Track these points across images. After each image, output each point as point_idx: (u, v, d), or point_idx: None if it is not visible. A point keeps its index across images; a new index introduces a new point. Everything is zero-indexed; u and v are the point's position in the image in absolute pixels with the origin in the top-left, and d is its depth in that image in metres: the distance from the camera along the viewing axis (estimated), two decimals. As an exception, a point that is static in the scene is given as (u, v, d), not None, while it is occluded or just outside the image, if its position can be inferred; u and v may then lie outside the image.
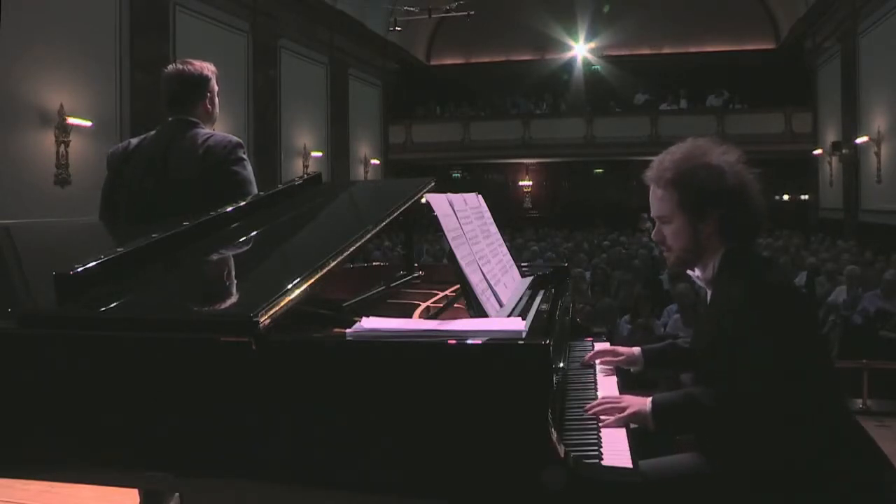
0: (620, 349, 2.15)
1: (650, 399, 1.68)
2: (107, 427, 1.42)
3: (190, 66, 2.48)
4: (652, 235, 1.83)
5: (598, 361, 2.14)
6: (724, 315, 1.67)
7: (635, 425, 1.67)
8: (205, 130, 2.46)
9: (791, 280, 1.80)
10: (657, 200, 1.77)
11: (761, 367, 1.56)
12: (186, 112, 2.47)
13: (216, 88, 2.54)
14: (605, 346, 2.27)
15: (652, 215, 1.80)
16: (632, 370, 2.12)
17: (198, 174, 2.35)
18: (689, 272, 1.85)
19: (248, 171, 2.42)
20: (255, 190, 2.39)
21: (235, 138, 2.46)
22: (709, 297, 1.83)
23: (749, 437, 1.59)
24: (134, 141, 2.51)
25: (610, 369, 2.12)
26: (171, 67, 2.52)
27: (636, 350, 2.12)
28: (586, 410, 1.72)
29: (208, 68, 2.51)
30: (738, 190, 1.70)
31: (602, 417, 1.68)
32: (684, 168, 1.71)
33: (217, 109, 2.57)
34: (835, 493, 1.60)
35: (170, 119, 2.49)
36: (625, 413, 1.67)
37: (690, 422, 1.68)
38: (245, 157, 2.44)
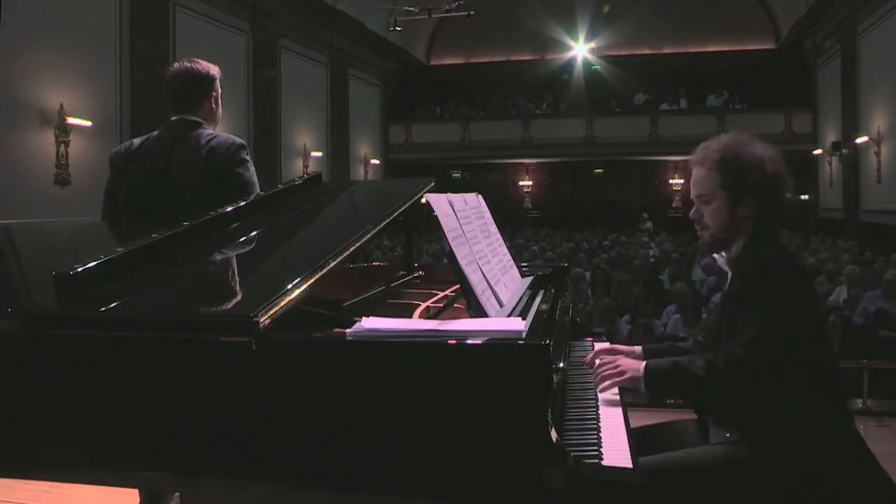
0: (620, 347, 2.17)
1: (643, 364, 1.78)
2: (107, 427, 1.41)
3: (197, 65, 2.49)
4: (690, 214, 1.94)
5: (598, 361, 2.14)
6: (738, 292, 1.77)
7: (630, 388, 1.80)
8: (208, 131, 2.46)
9: (805, 270, 1.88)
10: (700, 180, 1.90)
11: (750, 337, 1.65)
12: (191, 110, 2.47)
13: (220, 90, 2.55)
14: (605, 345, 2.28)
15: (692, 195, 1.93)
16: None
17: (201, 175, 2.35)
18: (716, 255, 1.97)
19: (252, 172, 2.43)
20: (257, 191, 2.39)
21: (239, 139, 2.46)
22: (728, 279, 1.92)
23: (733, 404, 1.71)
24: (137, 141, 2.51)
25: None
26: (177, 65, 2.52)
27: (637, 349, 2.14)
28: (585, 361, 1.87)
29: (214, 68, 2.53)
30: (774, 180, 1.84)
31: (599, 381, 1.80)
32: (732, 152, 1.85)
33: (220, 110, 2.57)
34: (832, 491, 1.61)
35: (173, 118, 2.48)
36: (622, 377, 1.78)
37: (678, 388, 1.80)
38: (248, 158, 2.44)
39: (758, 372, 1.63)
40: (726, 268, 1.94)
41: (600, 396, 1.88)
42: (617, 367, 1.82)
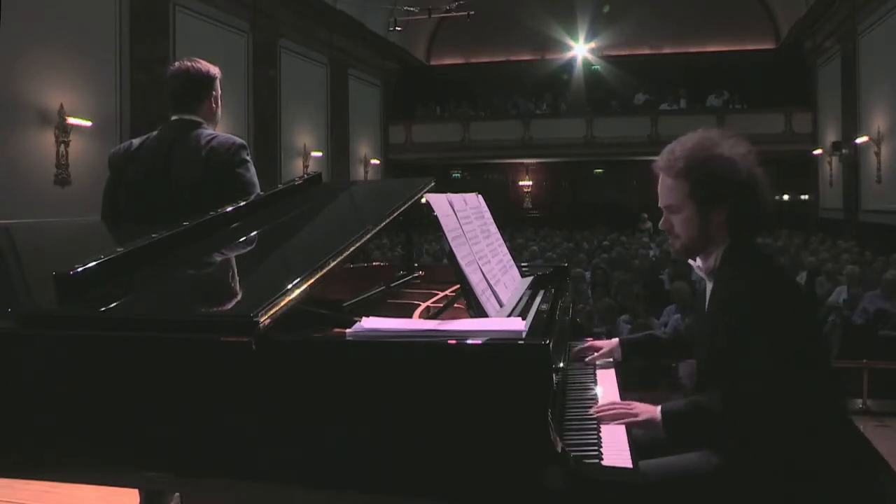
0: (599, 343, 2.19)
1: (659, 409, 1.68)
2: (107, 427, 1.42)
3: (197, 64, 2.49)
4: (660, 224, 1.82)
5: (585, 359, 2.18)
6: (724, 309, 1.67)
7: (643, 432, 1.68)
8: (208, 131, 2.45)
9: (792, 278, 1.81)
10: (667, 190, 1.76)
11: (761, 367, 1.56)
12: (191, 110, 2.46)
13: (220, 90, 2.55)
14: (587, 344, 2.26)
15: (660, 204, 1.79)
16: (612, 360, 2.18)
17: (201, 175, 2.35)
18: (691, 261, 1.86)
19: (252, 172, 2.42)
20: (258, 192, 2.39)
21: (239, 139, 2.46)
22: (708, 290, 1.83)
23: (755, 437, 1.59)
24: (136, 141, 2.51)
25: (609, 363, 2.15)
26: (177, 65, 2.52)
27: (615, 341, 2.16)
28: (595, 412, 1.70)
29: (214, 69, 2.53)
30: (748, 182, 1.70)
31: (613, 423, 1.67)
32: (697, 158, 1.70)
33: (220, 111, 2.57)
34: (831, 493, 1.61)
35: (173, 118, 2.48)
36: (637, 419, 1.67)
37: (699, 429, 1.67)
38: (249, 158, 2.44)
39: (776, 403, 1.55)
40: (704, 276, 1.83)
41: (600, 396, 1.88)
42: (631, 407, 1.70)
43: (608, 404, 1.74)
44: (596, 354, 2.17)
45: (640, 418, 1.67)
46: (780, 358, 1.56)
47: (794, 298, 1.70)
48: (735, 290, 1.66)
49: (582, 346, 2.23)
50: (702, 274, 1.86)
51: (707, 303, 1.82)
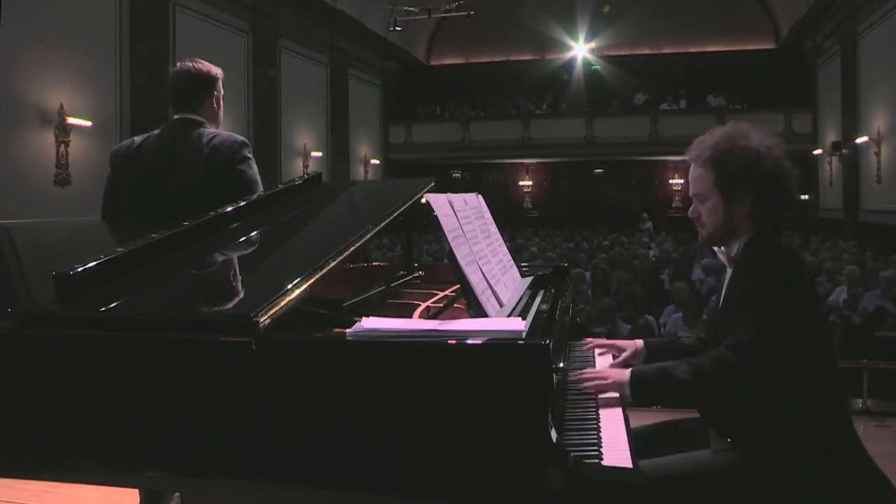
0: (621, 343, 2.17)
1: (629, 371, 1.76)
2: (107, 427, 1.41)
3: (199, 65, 2.50)
4: (688, 213, 1.88)
5: (597, 353, 2.18)
6: (738, 299, 1.71)
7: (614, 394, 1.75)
8: (210, 130, 2.45)
9: (809, 274, 1.83)
10: (695, 178, 1.82)
11: (741, 341, 1.61)
12: (193, 109, 2.46)
13: (222, 91, 2.55)
14: (603, 340, 2.26)
15: (690, 193, 1.87)
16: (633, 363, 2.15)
17: (202, 174, 2.34)
18: (715, 248, 1.90)
19: (254, 170, 2.42)
20: (260, 189, 2.39)
21: (241, 137, 2.45)
22: (727, 277, 1.87)
23: (726, 407, 1.67)
24: (138, 139, 2.50)
25: (607, 358, 2.14)
26: (179, 65, 2.53)
27: (639, 342, 2.14)
28: (575, 378, 1.79)
29: (216, 69, 2.54)
30: (773, 174, 1.74)
31: (586, 386, 1.76)
32: (723, 148, 1.76)
33: (221, 112, 2.57)
34: (831, 493, 1.61)
35: (175, 118, 2.48)
36: (605, 382, 1.75)
37: (664, 394, 1.77)
38: (251, 156, 2.43)
39: (747, 376, 1.60)
40: (726, 262, 1.88)
41: (600, 396, 1.88)
42: (600, 373, 1.81)
43: (584, 374, 1.81)
44: (620, 358, 2.13)
45: (608, 381, 1.75)
46: (770, 340, 1.60)
47: (804, 291, 1.73)
48: (750, 282, 1.69)
49: (607, 343, 2.20)
50: (724, 260, 1.89)
51: (723, 291, 1.86)
